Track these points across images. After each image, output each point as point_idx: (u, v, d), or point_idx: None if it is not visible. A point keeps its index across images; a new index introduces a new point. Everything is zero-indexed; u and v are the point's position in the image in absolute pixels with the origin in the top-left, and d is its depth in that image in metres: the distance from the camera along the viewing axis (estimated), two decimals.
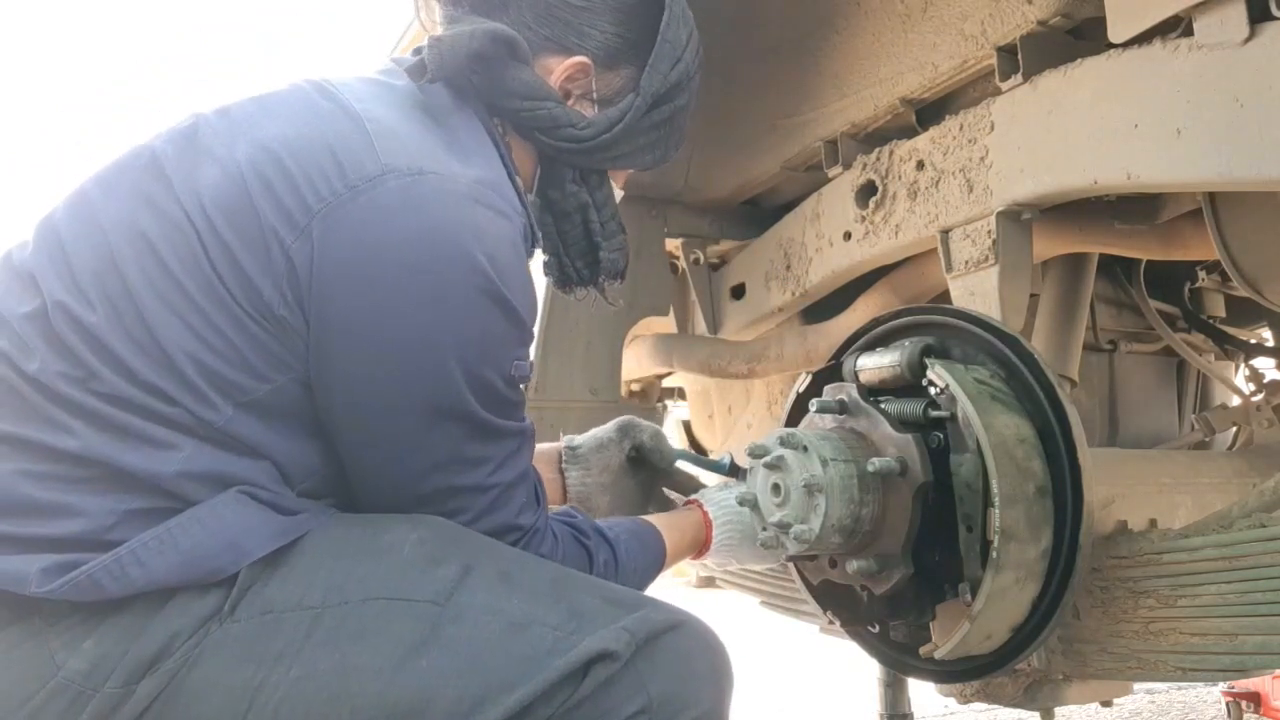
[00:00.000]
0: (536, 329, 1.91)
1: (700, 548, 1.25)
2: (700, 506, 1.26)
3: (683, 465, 1.41)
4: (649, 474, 1.37)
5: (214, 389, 0.87)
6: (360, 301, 0.89)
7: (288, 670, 0.83)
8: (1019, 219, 1.30)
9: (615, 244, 1.17)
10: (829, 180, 1.65)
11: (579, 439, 1.33)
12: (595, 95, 1.11)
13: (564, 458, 1.32)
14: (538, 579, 0.92)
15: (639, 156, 1.16)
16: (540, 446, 1.26)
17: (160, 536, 0.84)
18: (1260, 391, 1.85)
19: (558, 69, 1.09)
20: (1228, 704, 2.87)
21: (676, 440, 2.77)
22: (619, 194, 1.21)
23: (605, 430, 1.34)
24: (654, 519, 1.20)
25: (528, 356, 1.00)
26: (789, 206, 1.81)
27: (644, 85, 1.11)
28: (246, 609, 0.85)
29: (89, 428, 0.85)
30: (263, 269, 0.88)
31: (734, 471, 1.37)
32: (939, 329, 1.18)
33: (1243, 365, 2.12)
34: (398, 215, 0.90)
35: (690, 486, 1.38)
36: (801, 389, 1.32)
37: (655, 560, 1.15)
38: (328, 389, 0.91)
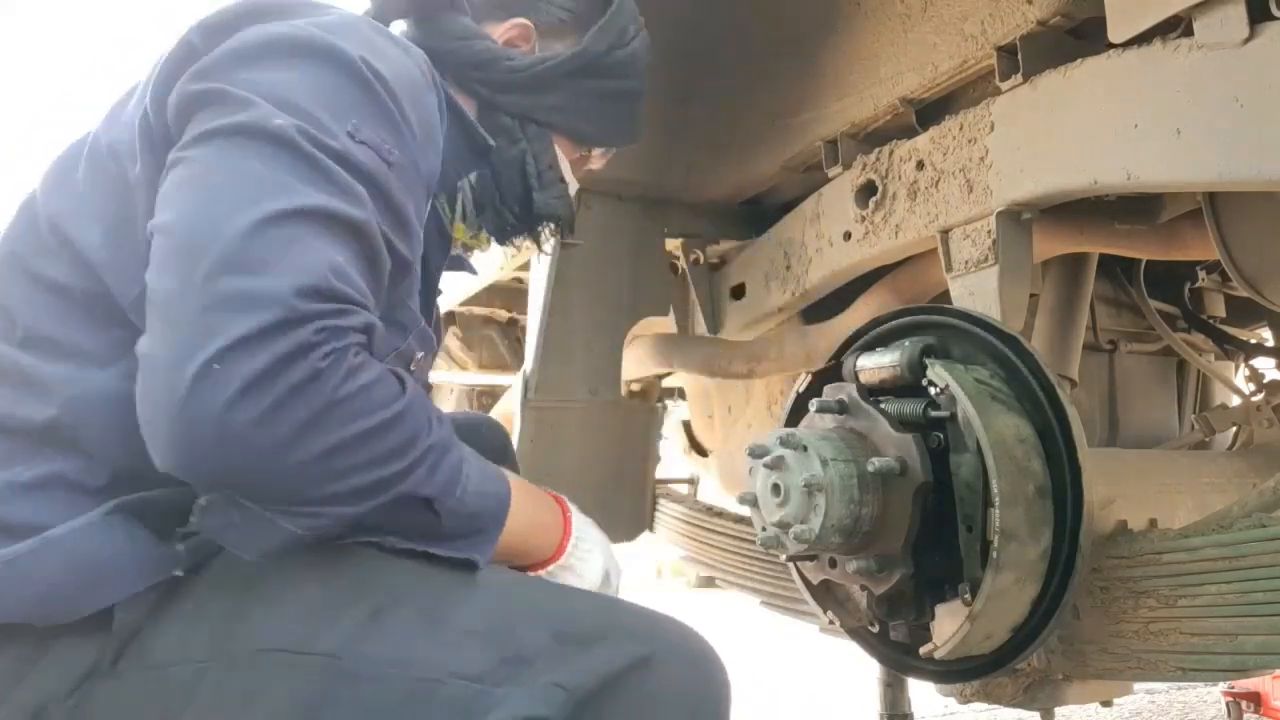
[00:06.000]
0: (536, 329, 1.92)
1: (552, 550, 1.01)
2: (563, 503, 1.06)
3: None
4: None
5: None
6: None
7: None
8: (1019, 219, 1.30)
9: (553, 192, 1.17)
10: (829, 180, 1.65)
11: None
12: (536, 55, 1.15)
13: None
14: (473, 613, 0.77)
15: (576, 120, 1.17)
16: None
17: (10, 562, 0.74)
18: (1260, 391, 1.85)
19: (500, 29, 1.14)
20: (1228, 704, 2.88)
21: (677, 440, 2.77)
22: (573, 169, 1.23)
23: None
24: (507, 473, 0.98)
25: (383, 139, 0.84)
26: (789, 206, 1.80)
27: (586, 42, 1.14)
28: (129, 661, 0.76)
29: None
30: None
31: None
32: (939, 329, 1.18)
33: (1243, 365, 2.13)
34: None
35: None
36: (801, 389, 1.31)
37: (498, 489, 0.91)
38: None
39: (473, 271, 1.35)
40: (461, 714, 0.71)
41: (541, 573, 1.00)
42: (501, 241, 1.22)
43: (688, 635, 0.82)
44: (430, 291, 1.10)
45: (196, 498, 0.76)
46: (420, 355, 0.98)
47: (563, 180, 1.18)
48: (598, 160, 1.28)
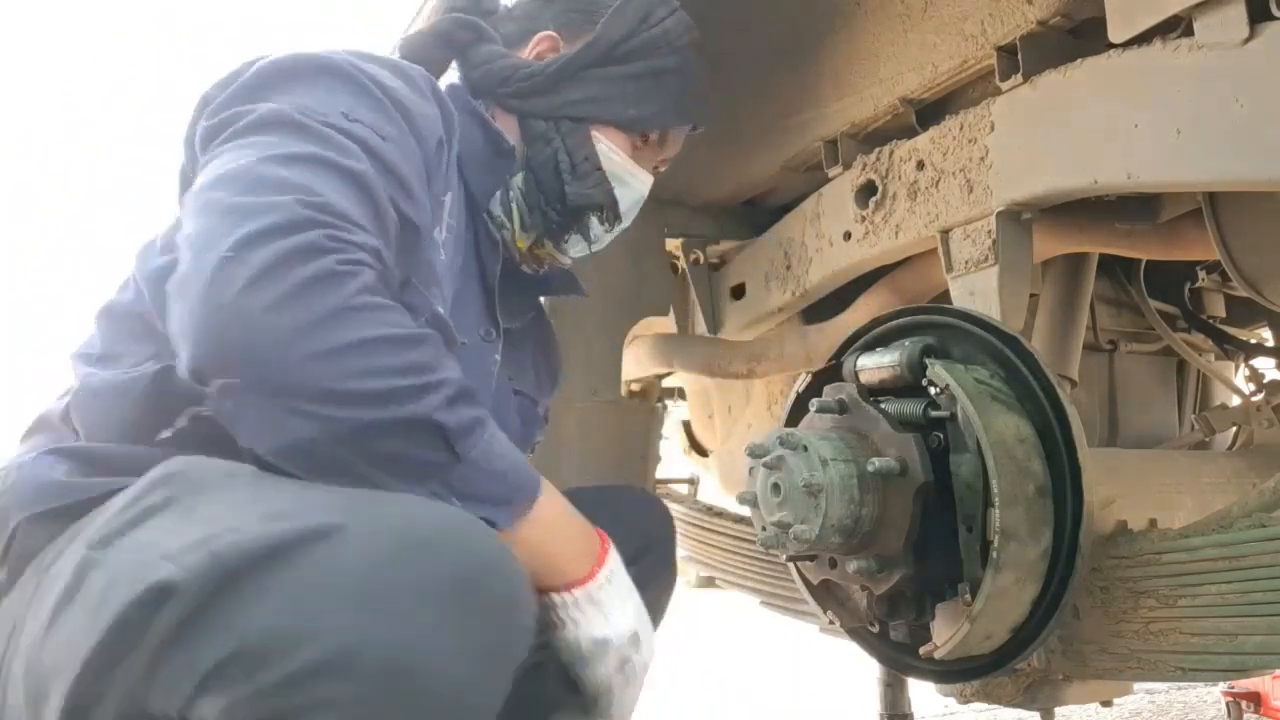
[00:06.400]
0: None
1: (583, 574, 0.91)
2: (604, 539, 0.96)
3: None
4: None
5: None
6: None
7: (15, 642, 0.77)
8: (1019, 219, 1.30)
9: (588, 182, 1.18)
10: (829, 180, 1.65)
11: None
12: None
13: None
14: (222, 502, 0.73)
15: (612, 108, 1.19)
16: None
17: None
18: (1260, 391, 1.85)
19: (528, 47, 1.22)
20: (1228, 704, 2.87)
21: (677, 440, 2.78)
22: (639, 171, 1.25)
23: None
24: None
25: (368, 118, 0.91)
26: (789, 206, 1.80)
27: (598, 31, 1.18)
28: (19, 580, 0.82)
29: None
30: None
31: None
32: (939, 329, 1.18)
33: (1243, 365, 2.13)
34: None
35: None
36: (801, 389, 1.32)
37: (530, 471, 0.87)
38: None
39: (580, 293, 1.36)
40: (118, 586, 0.68)
41: (565, 596, 0.89)
42: (557, 244, 1.24)
43: (427, 518, 0.73)
44: (490, 296, 1.15)
45: (128, 449, 0.85)
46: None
47: (599, 170, 1.20)
48: (668, 149, 1.30)
